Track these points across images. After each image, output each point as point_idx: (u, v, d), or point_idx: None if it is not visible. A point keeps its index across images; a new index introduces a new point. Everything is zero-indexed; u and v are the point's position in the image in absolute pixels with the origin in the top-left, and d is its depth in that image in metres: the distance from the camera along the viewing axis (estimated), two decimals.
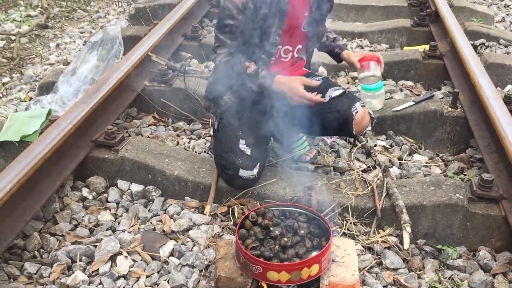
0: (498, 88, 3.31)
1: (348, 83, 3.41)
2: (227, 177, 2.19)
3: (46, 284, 1.85)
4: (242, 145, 2.16)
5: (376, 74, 2.33)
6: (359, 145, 2.64)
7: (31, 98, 3.26)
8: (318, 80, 2.32)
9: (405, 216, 2.02)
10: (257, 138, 2.21)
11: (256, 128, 2.22)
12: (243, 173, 2.13)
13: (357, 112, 2.16)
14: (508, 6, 5.33)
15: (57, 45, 4.31)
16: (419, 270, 1.95)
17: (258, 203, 2.20)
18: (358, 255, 1.94)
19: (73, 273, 1.87)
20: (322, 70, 3.44)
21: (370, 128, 2.27)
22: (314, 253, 1.77)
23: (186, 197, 2.29)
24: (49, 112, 2.57)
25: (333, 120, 2.19)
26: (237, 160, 2.13)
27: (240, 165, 2.12)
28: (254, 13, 2.09)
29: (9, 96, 3.38)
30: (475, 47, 3.68)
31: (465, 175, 2.51)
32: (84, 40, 4.22)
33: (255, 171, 2.16)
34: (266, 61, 2.24)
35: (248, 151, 2.15)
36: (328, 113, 2.19)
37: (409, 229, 2.00)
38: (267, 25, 2.13)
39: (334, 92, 2.22)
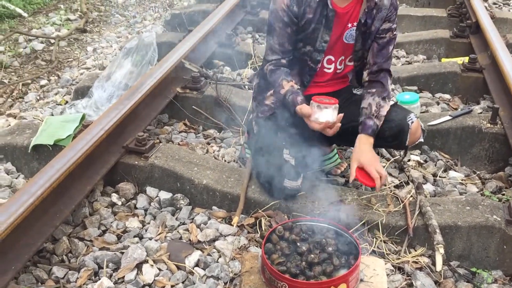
0: None
1: None
2: (270, 187, 2.16)
3: None
4: (286, 155, 2.13)
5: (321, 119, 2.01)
6: (401, 157, 2.59)
7: (66, 102, 3.33)
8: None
9: (438, 237, 1.94)
10: (300, 149, 2.17)
11: (298, 139, 2.17)
12: (288, 183, 2.10)
13: (412, 123, 2.14)
14: None
15: (94, 49, 4.40)
16: None
17: (285, 216, 2.17)
18: (387, 275, 1.88)
19: (99, 279, 1.88)
20: None
21: (422, 139, 2.25)
22: (342, 272, 1.73)
23: (214, 207, 2.28)
24: (83, 117, 2.60)
25: (386, 129, 2.16)
26: (282, 170, 2.10)
27: (285, 175, 2.10)
28: (300, 17, 2.09)
29: (46, 99, 3.46)
30: None
31: (503, 194, 2.41)
32: (120, 45, 4.29)
33: (299, 181, 2.14)
34: (313, 69, 2.22)
35: (293, 161, 2.13)
36: (383, 122, 2.15)
37: (442, 250, 1.92)
38: (313, 31, 2.12)
39: None
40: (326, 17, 2.09)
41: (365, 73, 2.25)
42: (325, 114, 1.97)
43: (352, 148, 2.63)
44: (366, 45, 2.21)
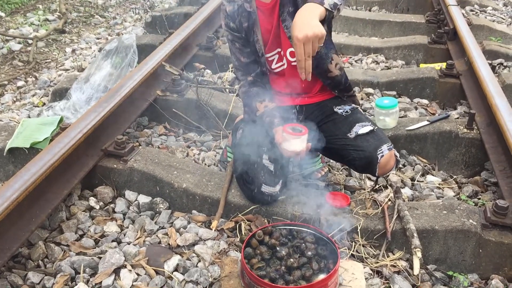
0: None
1: (362, 99, 3.37)
2: (249, 191, 2.15)
3: None
4: (265, 160, 2.13)
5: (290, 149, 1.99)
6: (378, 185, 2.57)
7: (44, 104, 3.28)
8: (346, 111, 2.24)
9: (416, 241, 1.97)
10: (280, 155, 2.17)
11: (275, 146, 2.15)
12: (265, 188, 2.10)
13: (382, 156, 2.06)
14: None
15: (73, 51, 4.35)
16: None
17: (266, 220, 2.17)
18: (366, 279, 1.89)
19: (76, 284, 1.85)
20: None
21: (394, 171, 2.19)
22: (321, 276, 1.73)
23: (194, 211, 2.27)
24: (61, 120, 2.57)
25: (357, 158, 2.10)
26: (260, 175, 2.10)
27: (263, 181, 2.09)
28: (240, 30, 2.14)
29: (22, 101, 3.40)
30: (493, 67, 3.62)
31: (479, 199, 2.46)
32: (100, 47, 4.24)
33: (278, 188, 2.13)
34: (265, 72, 2.22)
35: (272, 167, 2.12)
36: (353, 150, 2.10)
37: (419, 254, 1.95)
38: (251, 36, 2.13)
39: (361, 129, 2.13)
40: (251, 19, 2.10)
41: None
42: (293, 144, 1.97)
43: (334, 162, 2.65)
44: None
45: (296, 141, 1.97)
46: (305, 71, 1.82)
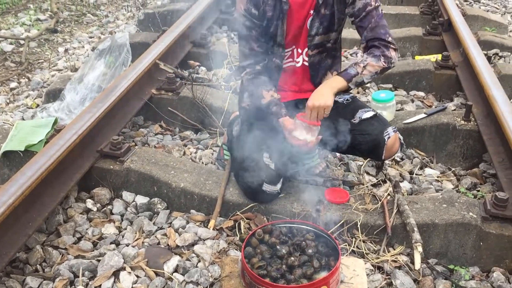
0: None
1: (358, 93, 3.36)
2: (249, 190, 2.14)
3: None
4: (266, 158, 2.11)
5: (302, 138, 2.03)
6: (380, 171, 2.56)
7: (37, 105, 3.25)
8: (347, 99, 2.26)
9: (416, 235, 1.96)
10: (279, 152, 2.15)
11: (278, 142, 2.15)
12: (266, 187, 2.08)
13: (389, 138, 2.08)
14: None
15: (66, 50, 4.31)
16: None
17: (265, 218, 2.15)
18: (367, 275, 1.88)
19: None
20: None
21: (399, 153, 2.21)
22: (323, 274, 1.72)
23: (192, 210, 2.25)
24: (55, 121, 2.54)
25: (363, 143, 2.11)
26: (261, 173, 2.08)
27: (264, 179, 2.07)
28: (261, 17, 2.10)
29: (16, 102, 3.36)
30: (488, 58, 3.62)
31: (478, 191, 2.45)
32: (93, 46, 4.20)
33: (279, 186, 2.12)
34: (279, 65, 2.21)
35: (272, 166, 2.11)
36: (359, 135, 2.12)
37: (420, 248, 1.94)
38: (272, 26, 2.11)
39: (364, 114, 2.15)
40: (282, 10, 2.09)
41: (360, 49, 2.20)
42: (305, 133, 1.99)
43: (334, 155, 2.65)
44: (328, 30, 2.15)
45: (310, 130, 1.97)
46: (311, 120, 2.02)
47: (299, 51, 2.21)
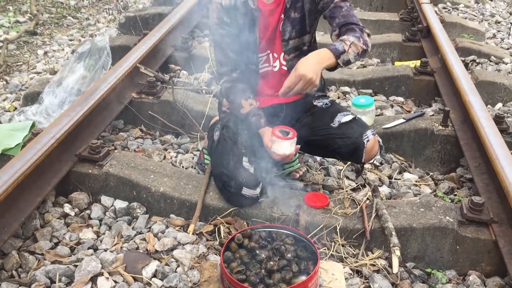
0: (489, 106, 3.30)
1: (338, 97, 3.38)
2: (229, 194, 2.13)
3: None
4: (245, 162, 2.11)
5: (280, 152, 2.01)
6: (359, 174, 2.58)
7: (15, 108, 3.20)
8: (326, 103, 2.27)
9: (394, 239, 1.98)
10: (259, 156, 2.15)
11: (258, 146, 2.15)
12: (246, 191, 2.08)
13: (368, 141, 2.10)
14: (499, 22, 5.36)
15: (45, 53, 4.25)
16: None
17: (245, 222, 2.15)
18: (346, 279, 1.89)
19: None
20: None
21: (378, 156, 2.23)
22: (301, 278, 1.73)
23: (172, 215, 2.24)
24: (33, 125, 2.51)
25: (343, 146, 2.13)
26: (240, 178, 2.08)
27: (243, 183, 2.07)
28: (232, 24, 2.11)
29: None
30: (466, 64, 3.68)
31: (455, 195, 2.49)
32: (73, 49, 4.15)
33: (258, 190, 2.12)
34: (255, 70, 2.21)
35: (252, 170, 2.11)
36: (338, 138, 2.13)
37: (398, 252, 1.96)
38: (244, 33, 2.11)
39: (343, 118, 2.17)
40: (252, 17, 2.10)
41: (332, 37, 2.14)
42: (283, 147, 1.99)
43: (315, 157, 2.66)
44: (301, 33, 2.16)
45: (286, 144, 1.98)
46: (286, 94, 1.95)
47: (275, 55, 2.21)
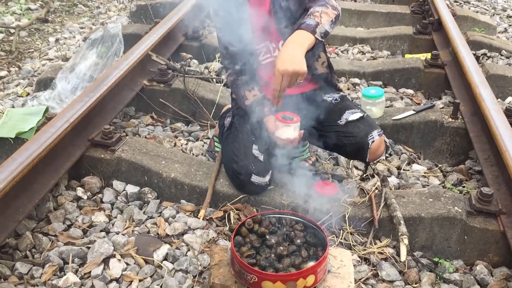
0: (499, 99, 3.29)
1: (348, 89, 3.39)
2: (238, 181, 2.15)
3: (37, 285, 1.82)
4: (255, 150, 2.13)
5: (283, 137, 2.02)
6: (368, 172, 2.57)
7: (28, 94, 3.23)
8: (335, 99, 2.26)
9: (402, 228, 1.99)
10: (269, 145, 2.16)
11: (266, 135, 2.15)
12: (255, 179, 2.10)
13: (373, 142, 2.10)
14: (510, 16, 5.32)
15: (57, 40, 4.28)
16: (415, 283, 1.93)
17: (254, 209, 2.18)
18: (354, 266, 1.92)
19: (65, 274, 1.84)
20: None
21: (384, 157, 2.22)
22: (310, 263, 1.75)
23: (182, 200, 2.26)
24: (46, 110, 2.54)
25: (348, 145, 2.13)
26: (250, 165, 2.09)
27: (253, 171, 2.09)
28: (226, 17, 2.09)
29: (6, 91, 3.34)
30: (477, 58, 3.67)
31: (464, 187, 2.50)
32: (84, 36, 4.18)
33: (267, 178, 2.13)
34: (257, 62, 2.21)
35: (261, 157, 2.12)
36: (344, 137, 2.14)
37: (406, 241, 1.98)
38: (238, 26, 2.10)
39: (351, 116, 2.16)
40: (242, 7, 2.07)
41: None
42: (286, 132, 2.00)
43: (321, 151, 2.67)
44: (293, 20, 2.09)
45: (289, 129, 1.99)
46: (276, 101, 1.92)
47: (273, 45, 2.20)
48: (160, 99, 2.96)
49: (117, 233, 2.06)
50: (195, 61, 3.57)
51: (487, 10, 5.41)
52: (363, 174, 2.53)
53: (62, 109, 2.48)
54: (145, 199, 2.27)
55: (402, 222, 2.02)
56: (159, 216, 2.18)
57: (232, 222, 2.12)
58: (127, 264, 1.93)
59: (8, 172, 1.93)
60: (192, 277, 1.87)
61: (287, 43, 1.89)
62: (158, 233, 2.08)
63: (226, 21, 2.13)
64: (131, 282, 1.85)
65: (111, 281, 1.84)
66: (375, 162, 2.24)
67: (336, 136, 2.15)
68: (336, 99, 2.27)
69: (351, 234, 2.11)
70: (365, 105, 2.83)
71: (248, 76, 2.20)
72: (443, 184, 2.55)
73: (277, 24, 2.12)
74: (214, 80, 3.26)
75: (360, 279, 1.91)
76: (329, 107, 2.23)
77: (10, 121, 2.48)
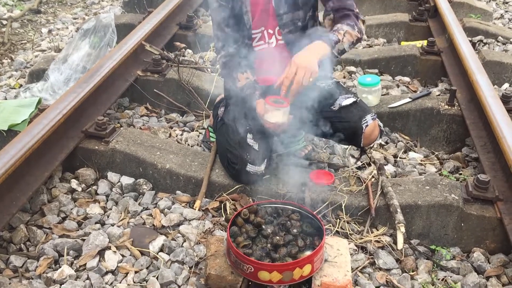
0: (495, 86, 3.28)
1: (344, 77, 3.37)
2: (233, 171, 2.14)
3: (32, 278, 1.81)
4: (250, 139, 2.12)
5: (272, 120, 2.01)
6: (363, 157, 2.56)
7: (21, 85, 3.20)
8: (329, 85, 2.25)
9: (399, 216, 1.99)
10: (263, 133, 2.15)
11: (261, 123, 2.13)
12: (250, 168, 2.09)
13: (367, 126, 2.09)
14: (507, 2, 5.29)
15: (49, 31, 4.23)
16: (412, 271, 1.93)
17: (250, 199, 2.17)
18: (351, 254, 1.91)
19: (60, 267, 1.83)
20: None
21: (378, 141, 2.21)
22: (307, 253, 1.74)
23: (178, 191, 2.25)
24: (39, 101, 2.51)
25: (341, 130, 2.13)
26: (245, 154, 2.08)
27: (248, 160, 2.08)
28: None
29: None
30: (473, 44, 3.64)
31: (460, 174, 2.49)
32: (77, 27, 4.14)
33: (263, 167, 2.12)
34: (249, 45, 2.19)
35: (256, 146, 2.11)
36: (338, 122, 2.13)
37: (403, 229, 1.97)
38: (237, 9, 2.10)
39: (344, 101, 2.15)
40: None
41: (325, 20, 2.15)
42: (275, 116, 1.99)
43: (319, 138, 2.65)
44: (295, 8, 2.13)
45: (279, 113, 1.97)
46: (287, 92, 1.95)
47: (270, 31, 2.19)
48: (155, 90, 2.93)
49: (112, 225, 2.05)
50: (189, 51, 3.54)
51: None
52: (357, 160, 2.51)
53: (55, 100, 2.46)
54: (140, 191, 2.25)
55: (398, 210, 2.01)
56: (154, 207, 2.16)
57: (228, 213, 2.11)
58: (123, 256, 1.91)
59: (1, 164, 1.91)
60: (188, 268, 1.86)
61: (305, 48, 1.98)
62: (153, 225, 2.06)
63: (225, 2, 2.09)
64: (126, 274, 1.84)
65: (106, 273, 1.83)
66: (370, 147, 2.22)
67: (330, 122, 2.14)
68: (329, 85, 2.27)
69: (347, 223, 2.10)
70: (361, 93, 2.81)
71: (242, 59, 2.17)
72: (440, 172, 2.54)
73: (277, 10, 2.11)
74: (209, 69, 3.23)
75: (357, 268, 1.90)
76: (322, 93, 2.21)
77: (2, 113, 2.45)
